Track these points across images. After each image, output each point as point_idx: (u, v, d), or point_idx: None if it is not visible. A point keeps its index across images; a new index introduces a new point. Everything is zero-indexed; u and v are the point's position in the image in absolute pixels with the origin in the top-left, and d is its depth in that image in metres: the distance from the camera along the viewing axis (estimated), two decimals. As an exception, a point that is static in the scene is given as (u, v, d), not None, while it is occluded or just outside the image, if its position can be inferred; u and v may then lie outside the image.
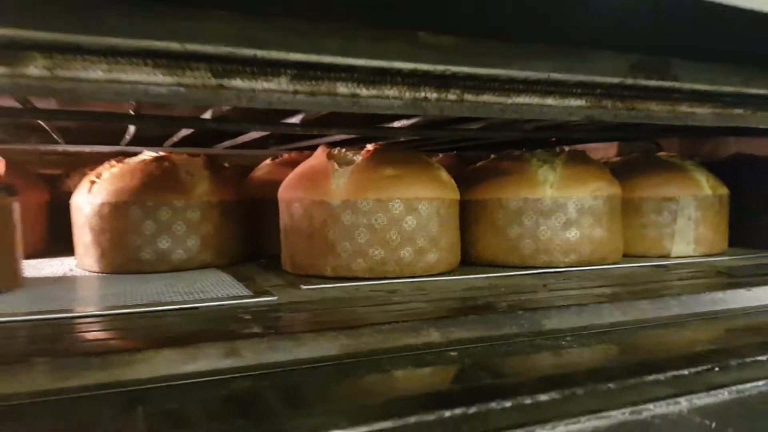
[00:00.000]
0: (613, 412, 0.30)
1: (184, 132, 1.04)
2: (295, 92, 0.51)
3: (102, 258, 0.79)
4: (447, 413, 0.29)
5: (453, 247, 0.76)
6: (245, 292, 0.63)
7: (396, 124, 0.82)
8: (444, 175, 0.77)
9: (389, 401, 0.32)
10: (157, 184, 0.79)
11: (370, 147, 0.76)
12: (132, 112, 0.71)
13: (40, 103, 0.82)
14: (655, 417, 0.31)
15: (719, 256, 0.91)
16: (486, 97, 0.58)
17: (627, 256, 0.89)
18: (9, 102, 0.76)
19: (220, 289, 0.64)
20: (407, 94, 0.55)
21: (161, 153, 0.86)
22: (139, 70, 0.46)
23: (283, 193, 0.77)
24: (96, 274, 0.79)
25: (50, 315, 0.52)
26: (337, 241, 0.71)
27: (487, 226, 0.82)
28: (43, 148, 1.25)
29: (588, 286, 0.65)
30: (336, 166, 0.74)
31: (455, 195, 0.77)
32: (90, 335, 0.46)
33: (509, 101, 0.59)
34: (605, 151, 1.43)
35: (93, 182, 0.81)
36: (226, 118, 0.73)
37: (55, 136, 1.05)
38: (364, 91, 0.54)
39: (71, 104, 0.76)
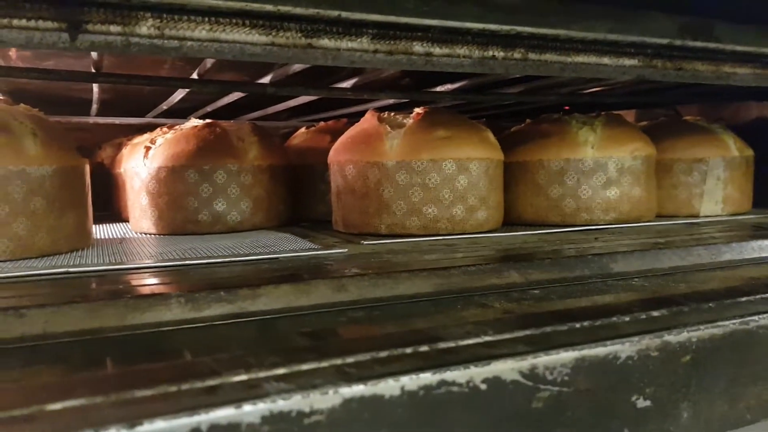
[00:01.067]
0: (725, 322, 0.34)
1: (221, 103, 1.06)
2: (375, 51, 0.54)
3: (159, 220, 0.82)
4: (577, 325, 0.33)
5: (499, 205, 0.80)
6: (315, 246, 0.66)
7: (439, 88, 0.85)
8: (491, 136, 0.80)
9: (514, 318, 0.35)
10: (211, 148, 0.82)
11: (419, 110, 0.79)
12: (197, 76, 0.73)
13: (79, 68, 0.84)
14: (760, 327, 0.34)
15: (746, 215, 0.95)
16: (548, 56, 0.61)
17: (657, 216, 0.93)
18: (53, 64, 0.78)
19: (288, 244, 0.67)
20: (476, 53, 0.58)
21: (208, 120, 0.89)
22: (237, 30, 0.49)
23: (335, 156, 0.80)
24: (154, 235, 0.82)
25: (147, 264, 0.55)
26: (392, 200, 0.74)
27: (528, 186, 0.85)
28: (75, 119, 1.26)
29: (636, 239, 0.69)
30: (389, 128, 0.76)
31: (501, 156, 0.80)
32: (200, 278, 0.49)
33: (569, 60, 0.62)
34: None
35: (148, 148, 0.84)
36: (283, 83, 0.75)
37: (95, 107, 1.07)
38: (437, 50, 0.56)
39: (124, 68, 0.78)
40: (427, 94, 0.86)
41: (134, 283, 0.47)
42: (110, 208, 1.18)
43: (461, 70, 0.58)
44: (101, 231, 0.89)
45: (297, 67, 0.69)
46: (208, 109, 1.15)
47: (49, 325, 0.37)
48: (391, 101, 1.00)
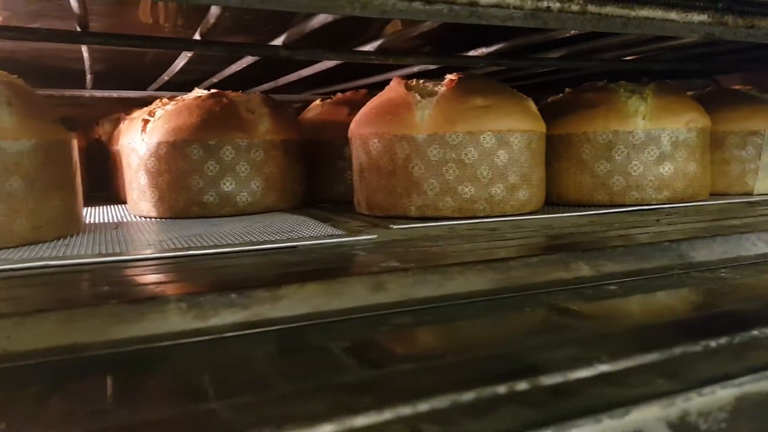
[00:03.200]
0: None
1: (227, 72, 0.97)
2: (412, -1, 0.45)
3: (160, 202, 0.74)
4: (713, 343, 0.24)
5: (541, 183, 0.71)
6: (337, 231, 0.58)
7: (472, 53, 0.76)
8: (533, 106, 0.71)
9: (624, 333, 0.27)
10: (218, 121, 0.73)
11: (452, 76, 0.69)
12: (199, 37, 0.64)
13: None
14: None
15: (806, 193, 0.86)
16: (609, 9, 0.52)
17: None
18: (55, 24, 0.69)
19: (307, 230, 0.59)
20: (529, 3, 0.49)
21: (214, 90, 0.80)
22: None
23: (357, 129, 0.71)
24: (155, 219, 0.74)
25: (141, 255, 0.47)
26: (423, 179, 0.65)
27: (571, 162, 0.76)
28: (69, 93, 1.17)
29: (702, 220, 0.60)
30: (418, 97, 0.67)
31: (544, 128, 0.71)
32: (206, 274, 0.41)
33: (632, 14, 0.53)
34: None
35: (146, 121, 0.75)
36: (299, 46, 0.66)
37: (89, 77, 0.98)
38: (484, -1, 0.47)
39: (122, 29, 0.69)
40: (460, 59, 0.77)
41: (125, 280, 0.39)
42: (108, 188, 1.10)
43: (510, 23, 0.49)
44: (96, 215, 0.81)
45: (314, 25, 0.60)
46: (214, 80, 1.06)
47: (12, 342, 0.28)
48: (415, 69, 0.91)
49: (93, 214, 0.81)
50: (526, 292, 0.39)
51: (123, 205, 0.94)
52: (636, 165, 0.73)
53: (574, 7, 0.51)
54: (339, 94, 0.96)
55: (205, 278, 0.39)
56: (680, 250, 0.46)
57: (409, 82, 0.70)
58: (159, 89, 1.18)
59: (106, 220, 0.74)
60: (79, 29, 0.59)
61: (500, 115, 0.65)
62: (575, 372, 0.22)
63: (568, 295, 0.38)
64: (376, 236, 0.55)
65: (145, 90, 1.22)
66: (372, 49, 0.71)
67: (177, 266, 0.44)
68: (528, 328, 0.30)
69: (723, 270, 0.44)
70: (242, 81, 1.10)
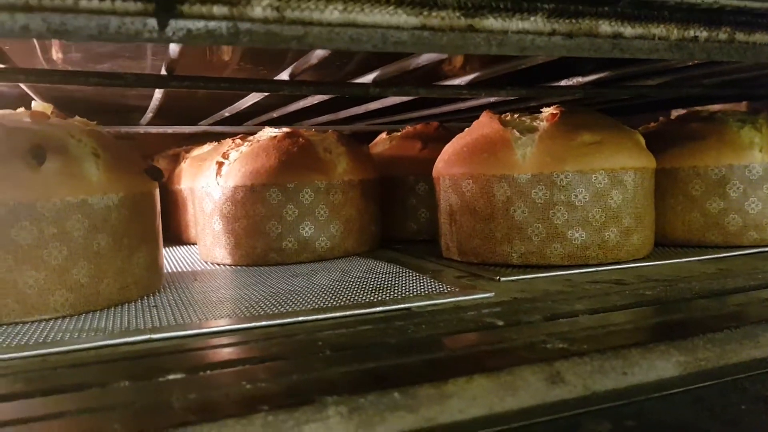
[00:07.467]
0: None
1: (291, 108, 0.93)
2: (552, 33, 0.40)
3: (236, 248, 0.69)
4: None
5: (652, 225, 0.65)
6: (444, 286, 0.52)
7: (565, 82, 0.70)
8: (642, 140, 0.65)
9: None
10: (296, 163, 0.69)
11: (552, 110, 0.64)
12: (287, 77, 0.60)
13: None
14: None
15: None
16: (758, 37, 0.47)
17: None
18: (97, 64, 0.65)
19: (406, 283, 0.54)
20: (675, 33, 0.44)
21: (285, 129, 0.75)
22: (379, 9, 0.35)
23: (447, 168, 0.66)
24: (230, 266, 0.69)
25: (248, 325, 0.42)
26: (526, 223, 0.60)
27: (678, 199, 0.70)
28: (124, 129, 1.15)
29: None
30: (517, 133, 0.62)
31: (654, 163, 0.65)
32: (345, 357, 0.35)
33: (784, 41, 0.47)
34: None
35: (221, 164, 0.71)
36: (387, 83, 0.62)
37: (150, 115, 0.95)
38: (628, 30, 0.42)
39: (189, 70, 0.65)
40: (554, 90, 0.71)
41: (242, 366, 0.34)
42: (167, 228, 1.06)
43: (656, 55, 0.44)
44: (166, 260, 0.77)
45: (419, 63, 0.55)
46: (274, 114, 1.02)
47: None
48: (491, 99, 0.86)
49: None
50: (721, 378, 0.32)
51: (185, 247, 0.90)
52: (754, 202, 0.67)
53: (722, 36, 0.45)
54: (408, 127, 0.91)
55: (342, 364, 0.33)
56: None
57: (504, 116, 0.65)
58: (214, 124, 1.15)
59: (178, 269, 0.70)
60: (165, 73, 0.55)
61: (613, 152, 0.60)
62: None
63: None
64: (492, 294, 0.49)
65: (196, 125, 1.19)
66: (463, 83, 0.66)
67: (294, 341, 0.38)
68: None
69: None
70: (302, 113, 1.05)
